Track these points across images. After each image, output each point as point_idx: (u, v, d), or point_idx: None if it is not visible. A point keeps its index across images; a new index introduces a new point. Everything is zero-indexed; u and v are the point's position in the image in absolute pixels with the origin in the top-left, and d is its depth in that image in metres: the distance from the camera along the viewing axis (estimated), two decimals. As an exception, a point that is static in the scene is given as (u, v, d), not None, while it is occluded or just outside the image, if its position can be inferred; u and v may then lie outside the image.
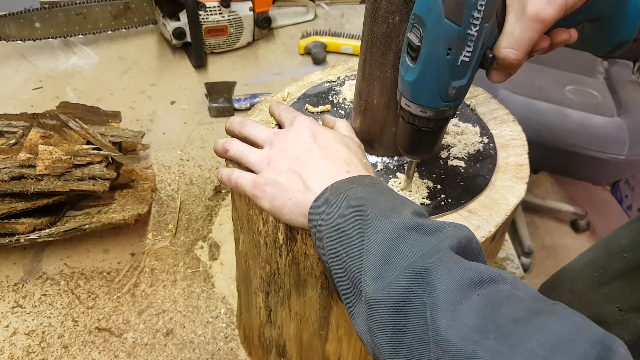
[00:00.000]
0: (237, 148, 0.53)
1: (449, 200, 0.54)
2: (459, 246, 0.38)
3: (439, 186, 0.56)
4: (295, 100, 0.67)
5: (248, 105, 1.23)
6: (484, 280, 0.35)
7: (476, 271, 0.35)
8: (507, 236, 1.01)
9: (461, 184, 0.56)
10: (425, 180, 0.56)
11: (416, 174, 0.56)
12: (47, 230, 0.82)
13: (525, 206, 1.87)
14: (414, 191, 0.55)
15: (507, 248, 1.04)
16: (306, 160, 0.49)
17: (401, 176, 0.57)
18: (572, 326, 0.31)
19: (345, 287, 0.42)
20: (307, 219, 0.46)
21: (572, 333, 0.30)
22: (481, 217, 0.52)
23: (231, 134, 0.57)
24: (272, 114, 0.60)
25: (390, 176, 0.57)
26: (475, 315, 0.32)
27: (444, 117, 0.46)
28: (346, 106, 0.65)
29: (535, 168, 1.71)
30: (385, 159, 0.59)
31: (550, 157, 1.46)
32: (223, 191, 1.04)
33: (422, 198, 0.54)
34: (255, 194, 0.50)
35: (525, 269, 1.69)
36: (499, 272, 0.36)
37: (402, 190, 0.55)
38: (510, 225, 1.76)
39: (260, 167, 0.50)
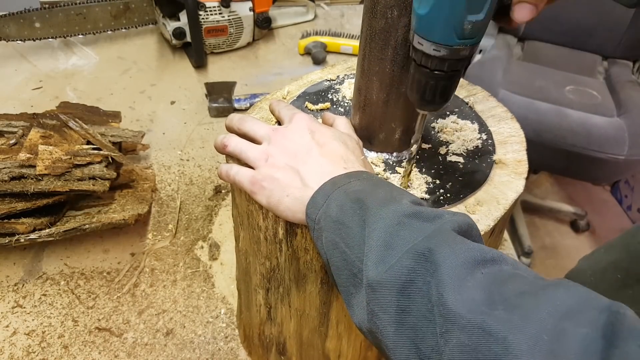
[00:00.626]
0: (235, 144, 0.53)
1: (448, 195, 0.54)
2: (460, 230, 0.38)
3: (437, 181, 0.56)
4: (295, 98, 0.67)
5: (248, 105, 1.23)
6: (487, 259, 0.35)
7: (480, 251, 0.35)
8: (507, 236, 1.01)
9: (460, 179, 0.56)
10: (424, 176, 0.56)
11: (415, 170, 0.56)
12: (47, 230, 0.82)
13: (525, 206, 1.87)
14: (413, 187, 0.55)
15: (507, 248, 1.04)
16: (304, 157, 0.49)
17: (400, 171, 0.57)
18: (579, 297, 0.31)
19: (344, 278, 0.42)
20: (305, 214, 0.46)
21: (579, 303, 0.31)
22: (480, 211, 0.52)
23: (231, 130, 0.57)
24: (272, 111, 0.61)
25: (390, 172, 0.57)
26: (482, 291, 0.33)
27: (459, 58, 0.42)
28: (345, 104, 0.66)
29: (535, 168, 1.71)
30: (384, 154, 0.59)
31: (550, 157, 1.46)
32: (223, 191, 1.04)
33: (422, 193, 0.54)
34: (252, 189, 0.50)
35: (526, 269, 1.69)
36: (501, 253, 0.36)
37: (401, 178, 0.55)
38: (510, 225, 1.76)
39: (259, 163, 0.51)
